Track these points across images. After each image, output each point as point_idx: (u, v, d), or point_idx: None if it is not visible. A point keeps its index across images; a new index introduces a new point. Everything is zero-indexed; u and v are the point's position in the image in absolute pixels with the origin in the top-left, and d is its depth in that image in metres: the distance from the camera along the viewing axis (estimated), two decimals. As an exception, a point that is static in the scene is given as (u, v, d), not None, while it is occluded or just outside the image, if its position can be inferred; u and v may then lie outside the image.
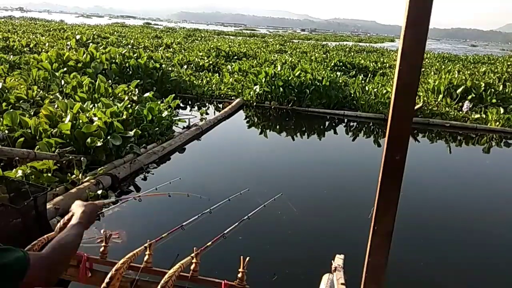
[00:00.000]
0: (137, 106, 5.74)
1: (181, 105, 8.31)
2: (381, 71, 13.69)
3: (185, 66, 12.17)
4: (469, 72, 12.71)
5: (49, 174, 3.77)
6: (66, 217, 1.41)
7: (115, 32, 24.93)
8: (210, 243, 2.08)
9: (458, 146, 7.14)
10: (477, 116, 8.33)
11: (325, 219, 3.77)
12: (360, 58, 16.65)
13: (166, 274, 1.69)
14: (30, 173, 3.59)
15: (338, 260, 2.02)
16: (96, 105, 5.45)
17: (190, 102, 8.88)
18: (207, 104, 8.81)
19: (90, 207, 1.42)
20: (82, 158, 4.14)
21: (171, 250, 2.97)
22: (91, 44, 13.18)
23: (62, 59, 8.55)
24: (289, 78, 8.92)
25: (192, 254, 1.85)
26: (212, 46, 17.96)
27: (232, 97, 9.09)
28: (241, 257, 1.78)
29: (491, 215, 4.13)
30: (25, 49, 13.21)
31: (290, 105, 8.67)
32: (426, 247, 3.42)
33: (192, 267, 1.80)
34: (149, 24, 57.84)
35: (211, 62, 13.11)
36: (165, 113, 6.02)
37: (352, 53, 21.03)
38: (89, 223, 1.41)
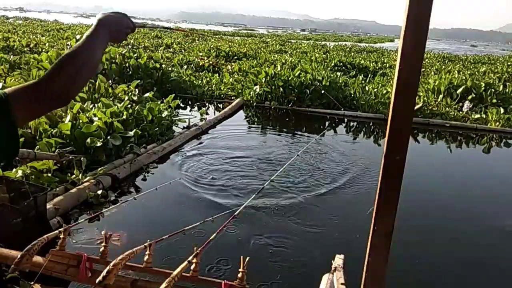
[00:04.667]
0: (137, 106, 5.74)
1: (181, 105, 8.31)
2: (381, 71, 13.69)
3: (185, 66, 12.17)
4: (469, 72, 12.71)
5: (49, 174, 3.77)
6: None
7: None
8: (209, 241, 2.05)
9: (458, 147, 7.14)
10: (477, 116, 8.33)
11: (325, 218, 3.77)
12: (360, 58, 16.65)
13: (167, 276, 1.69)
14: (30, 173, 3.59)
15: (338, 260, 2.01)
16: (96, 105, 5.45)
17: (190, 102, 8.88)
18: (207, 104, 8.81)
19: (116, 16, 1.14)
20: (82, 158, 4.14)
21: (171, 250, 2.97)
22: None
23: (62, 59, 8.55)
24: (289, 78, 8.92)
25: (193, 254, 1.85)
26: (212, 46, 17.97)
27: (232, 97, 9.09)
28: (241, 257, 1.78)
29: (491, 214, 4.13)
30: (25, 49, 13.21)
31: (290, 105, 8.67)
32: (425, 246, 3.42)
33: (192, 267, 1.80)
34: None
35: (211, 62, 13.11)
36: (165, 113, 6.02)
37: (352, 53, 21.04)
38: (114, 32, 1.12)
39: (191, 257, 1.82)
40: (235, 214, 2.21)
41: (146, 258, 1.85)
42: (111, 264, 1.63)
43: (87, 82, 1.07)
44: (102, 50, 1.09)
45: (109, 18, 1.11)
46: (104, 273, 1.58)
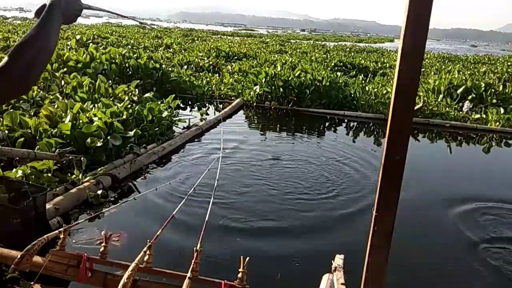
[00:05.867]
0: (137, 106, 5.74)
1: (181, 105, 8.31)
2: (381, 71, 13.69)
3: (185, 67, 12.18)
4: (469, 72, 12.71)
5: (49, 174, 3.77)
6: None
7: (114, 32, 24.93)
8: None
9: (458, 146, 7.14)
10: (477, 116, 8.33)
11: (325, 218, 3.77)
12: (360, 58, 16.65)
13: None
14: (30, 173, 3.59)
15: (338, 260, 2.01)
16: (96, 105, 5.45)
17: (190, 102, 8.88)
18: (207, 104, 8.81)
19: None
20: (82, 158, 4.14)
21: (171, 250, 2.97)
22: (91, 44, 13.18)
23: (62, 59, 8.56)
24: (289, 78, 8.92)
25: (194, 254, 1.85)
26: (212, 46, 17.97)
27: (232, 98, 9.09)
28: (241, 257, 1.78)
29: (490, 214, 4.12)
30: (25, 49, 13.18)
31: (290, 105, 8.67)
32: (423, 247, 3.42)
33: (192, 267, 1.80)
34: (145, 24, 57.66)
35: (211, 62, 13.11)
36: (165, 113, 6.02)
37: (353, 53, 21.04)
38: (67, 15, 1.11)
39: (188, 257, 1.82)
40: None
41: (146, 258, 1.85)
42: (125, 276, 1.63)
43: (44, 68, 1.05)
44: (57, 34, 1.07)
45: (62, 1, 1.09)
46: (120, 286, 1.59)
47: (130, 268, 1.68)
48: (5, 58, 0.95)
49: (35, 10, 1.10)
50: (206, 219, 2.00)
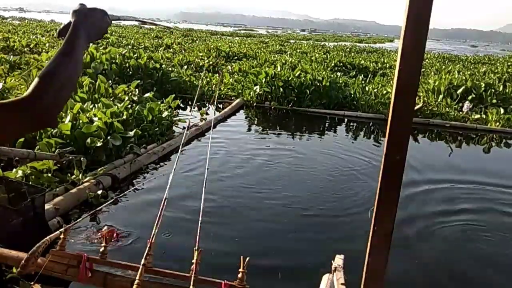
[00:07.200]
0: (137, 107, 5.74)
1: (181, 105, 8.31)
2: (381, 72, 13.69)
3: (185, 67, 12.18)
4: (469, 72, 12.71)
5: (49, 175, 3.77)
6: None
7: (114, 33, 24.94)
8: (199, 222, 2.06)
9: (458, 147, 7.14)
10: (477, 116, 8.34)
11: (325, 219, 3.77)
12: (360, 59, 16.65)
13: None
14: (30, 174, 3.59)
15: (338, 260, 2.01)
16: (96, 105, 5.45)
17: (190, 103, 8.87)
18: (207, 104, 8.80)
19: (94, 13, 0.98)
20: (82, 158, 4.14)
21: (171, 250, 2.97)
22: (91, 44, 13.17)
23: (62, 60, 8.55)
24: (289, 79, 8.92)
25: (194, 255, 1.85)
26: (212, 46, 17.97)
27: (232, 98, 9.09)
28: (241, 257, 1.78)
29: (490, 215, 4.13)
30: (25, 49, 13.22)
31: (290, 105, 8.67)
32: (422, 248, 3.42)
33: (192, 267, 1.80)
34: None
35: (211, 62, 13.12)
36: (165, 114, 6.03)
37: (353, 54, 21.05)
38: (93, 34, 0.98)
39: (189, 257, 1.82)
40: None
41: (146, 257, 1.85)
42: (135, 283, 1.62)
43: (69, 98, 0.95)
44: (83, 57, 0.96)
45: (88, 19, 0.96)
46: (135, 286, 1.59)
47: (139, 271, 1.66)
48: (30, 89, 0.82)
49: (58, 29, 0.99)
50: (200, 218, 1.99)
